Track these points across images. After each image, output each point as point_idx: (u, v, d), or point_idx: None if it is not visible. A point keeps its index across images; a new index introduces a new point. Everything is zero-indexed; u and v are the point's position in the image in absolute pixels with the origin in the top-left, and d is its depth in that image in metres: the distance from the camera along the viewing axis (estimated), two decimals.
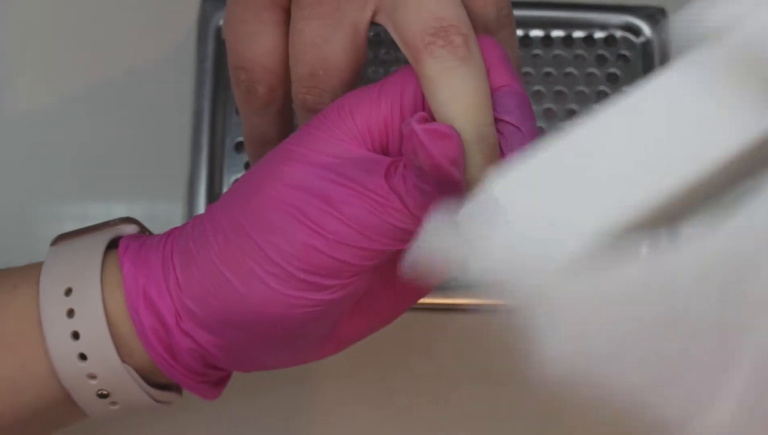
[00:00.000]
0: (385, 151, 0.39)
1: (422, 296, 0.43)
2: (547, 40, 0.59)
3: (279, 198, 0.38)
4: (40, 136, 0.58)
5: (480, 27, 0.43)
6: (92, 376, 0.40)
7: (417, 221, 0.37)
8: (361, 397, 0.54)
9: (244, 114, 0.45)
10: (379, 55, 0.58)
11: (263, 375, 0.45)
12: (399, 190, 0.38)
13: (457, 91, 0.38)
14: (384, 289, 0.42)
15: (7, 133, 0.58)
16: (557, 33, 0.60)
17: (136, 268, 0.40)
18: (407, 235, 0.38)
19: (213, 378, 0.42)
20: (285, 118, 0.45)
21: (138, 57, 0.59)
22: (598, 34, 0.60)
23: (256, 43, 0.43)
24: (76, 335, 0.40)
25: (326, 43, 0.41)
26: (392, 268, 0.41)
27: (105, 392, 0.40)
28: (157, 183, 0.57)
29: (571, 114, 0.58)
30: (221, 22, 0.59)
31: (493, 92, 0.39)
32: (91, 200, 0.57)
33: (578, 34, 0.60)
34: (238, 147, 0.57)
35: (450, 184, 0.37)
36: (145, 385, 0.41)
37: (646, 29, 0.60)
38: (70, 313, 0.40)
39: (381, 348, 0.53)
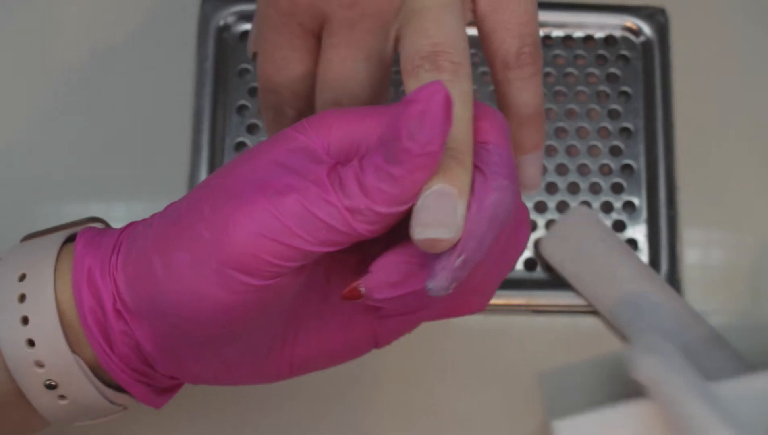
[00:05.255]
0: None
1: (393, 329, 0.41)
2: (547, 40, 0.59)
3: (221, 187, 0.37)
4: (40, 135, 0.58)
5: (498, 61, 0.42)
6: (40, 364, 0.39)
7: (347, 224, 0.36)
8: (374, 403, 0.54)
9: (271, 134, 0.45)
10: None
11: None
12: (342, 177, 0.36)
13: None
14: (329, 311, 0.40)
15: (7, 132, 0.58)
16: (557, 33, 0.60)
17: (86, 249, 0.39)
18: (333, 235, 0.36)
19: (157, 383, 0.41)
20: None
21: (138, 57, 0.59)
22: (598, 34, 0.60)
23: (287, 69, 0.43)
24: (25, 320, 0.39)
25: (353, 73, 0.42)
26: (333, 287, 0.40)
27: (53, 383, 0.39)
28: (157, 183, 0.57)
29: (571, 114, 0.58)
30: (221, 23, 0.59)
31: (476, 145, 0.38)
32: (91, 200, 0.57)
33: (578, 34, 0.60)
34: (238, 147, 0.57)
35: (421, 163, 0.35)
36: (93, 378, 0.40)
37: (646, 29, 0.60)
38: (22, 298, 0.39)
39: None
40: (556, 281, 0.56)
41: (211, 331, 0.38)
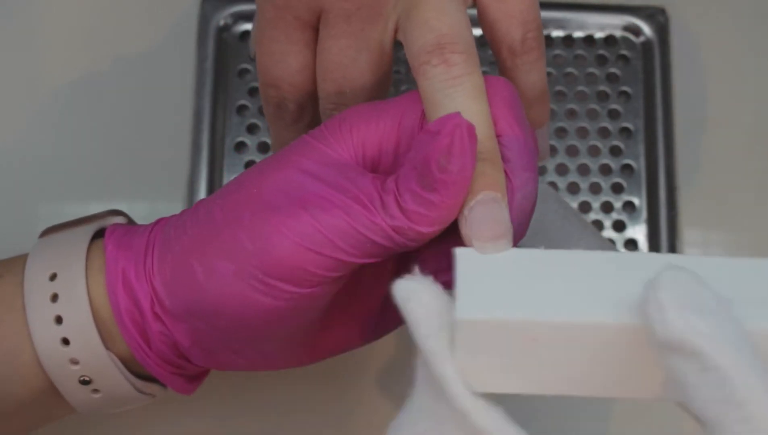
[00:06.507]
0: (375, 170, 0.39)
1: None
2: (547, 40, 0.59)
3: (258, 196, 0.38)
4: (40, 136, 0.58)
5: (504, 49, 0.43)
6: (75, 362, 0.40)
7: (392, 240, 0.37)
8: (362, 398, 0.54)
9: (274, 128, 0.46)
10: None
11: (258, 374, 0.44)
12: (384, 199, 0.37)
13: (450, 110, 0.37)
14: (357, 303, 0.41)
15: (8, 133, 0.58)
16: (557, 33, 0.60)
17: (118, 250, 0.40)
18: (376, 249, 0.37)
19: (189, 372, 0.42)
20: None
21: (138, 57, 0.59)
22: (598, 34, 0.60)
23: (285, 62, 0.43)
24: (59, 319, 0.40)
25: (353, 62, 0.42)
26: (364, 282, 0.41)
27: (87, 378, 0.40)
28: (157, 183, 0.57)
29: (571, 114, 0.58)
30: (221, 23, 0.59)
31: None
32: (91, 200, 0.57)
33: (578, 34, 0.60)
34: (238, 147, 0.57)
35: (458, 189, 0.36)
36: (126, 372, 0.40)
37: (646, 29, 0.60)
38: (54, 297, 0.40)
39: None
40: None
41: (253, 332, 0.39)
